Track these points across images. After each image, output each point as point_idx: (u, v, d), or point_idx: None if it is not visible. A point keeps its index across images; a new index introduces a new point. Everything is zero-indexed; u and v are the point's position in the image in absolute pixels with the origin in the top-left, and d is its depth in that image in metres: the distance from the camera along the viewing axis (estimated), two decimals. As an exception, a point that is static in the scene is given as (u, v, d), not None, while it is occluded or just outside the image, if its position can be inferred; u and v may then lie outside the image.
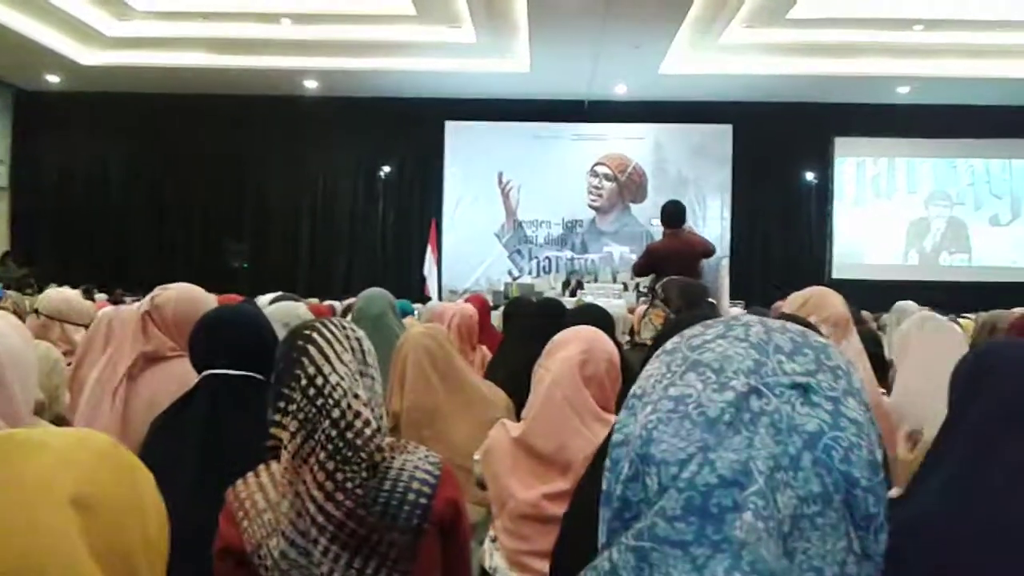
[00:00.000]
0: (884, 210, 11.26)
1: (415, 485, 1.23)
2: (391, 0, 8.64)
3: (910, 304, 4.77)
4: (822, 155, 11.30)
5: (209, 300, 2.20)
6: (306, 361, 1.22)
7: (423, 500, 1.22)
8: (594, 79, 10.22)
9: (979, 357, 1.20)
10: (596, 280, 10.07)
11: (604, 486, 0.62)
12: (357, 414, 1.20)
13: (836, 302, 2.28)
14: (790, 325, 0.64)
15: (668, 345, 0.64)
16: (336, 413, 1.19)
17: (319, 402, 1.19)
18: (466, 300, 4.47)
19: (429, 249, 10.56)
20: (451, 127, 11.51)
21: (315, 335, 1.26)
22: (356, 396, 1.22)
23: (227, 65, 9.93)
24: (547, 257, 11.58)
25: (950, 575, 1.02)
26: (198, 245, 11.39)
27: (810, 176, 11.21)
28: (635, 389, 0.62)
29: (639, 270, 5.74)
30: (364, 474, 1.19)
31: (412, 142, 11.60)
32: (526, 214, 11.54)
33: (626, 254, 11.15)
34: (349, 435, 1.19)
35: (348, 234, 11.66)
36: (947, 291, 9.62)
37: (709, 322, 0.65)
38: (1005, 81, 9.62)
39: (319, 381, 1.20)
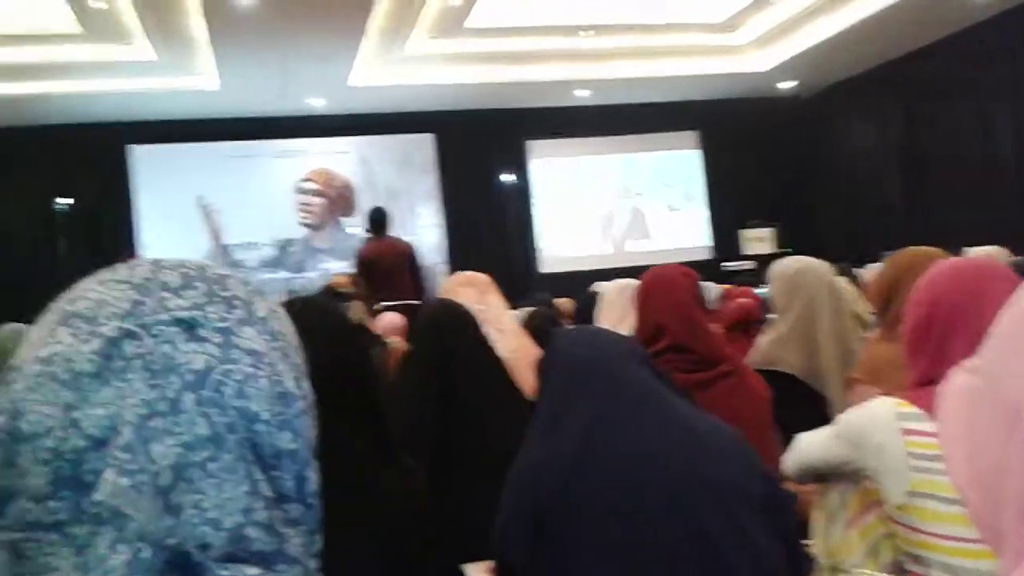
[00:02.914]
0: (576, 206, 12.01)
1: None
2: (51, 17, 7.88)
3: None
4: (518, 158, 11.86)
5: None
6: None
7: None
8: (287, 95, 10.00)
9: (552, 338, 1.42)
10: (315, 298, 9.90)
11: None
12: None
13: (471, 275, 2.60)
14: (191, 261, 0.60)
15: (53, 303, 0.57)
16: None
17: None
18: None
19: (129, 285, 9.81)
20: (138, 152, 10.69)
21: None
22: None
23: None
24: (261, 280, 11.15)
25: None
26: None
27: (509, 179, 11.73)
28: (13, 361, 0.55)
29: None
30: None
31: (94, 171, 10.64)
32: (234, 237, 11.04)
33: (344, 269, 11.03)
34: None
35: (29, 282, 10.40)
36: (635, 274, 10.42)
37: (102, 271, 0.59)
38: (665, 79, 10.61)
39: None
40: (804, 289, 2.68)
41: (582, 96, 11.09)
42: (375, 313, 4.81)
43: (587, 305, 3.15)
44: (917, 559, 1.37)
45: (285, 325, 0.59)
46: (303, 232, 11.33)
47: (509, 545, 1.21)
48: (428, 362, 1.95)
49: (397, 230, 7.60)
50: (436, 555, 1.39)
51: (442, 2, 8.17)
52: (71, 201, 10.51)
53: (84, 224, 10.64)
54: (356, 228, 10.59)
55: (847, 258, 6.14)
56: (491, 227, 11.78)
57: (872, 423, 1.44)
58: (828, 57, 9.95)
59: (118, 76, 9.02)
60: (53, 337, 0.53)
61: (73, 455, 0.49)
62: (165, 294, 0.55)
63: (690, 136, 12.17)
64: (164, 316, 0.53)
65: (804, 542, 1.86)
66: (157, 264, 0.58)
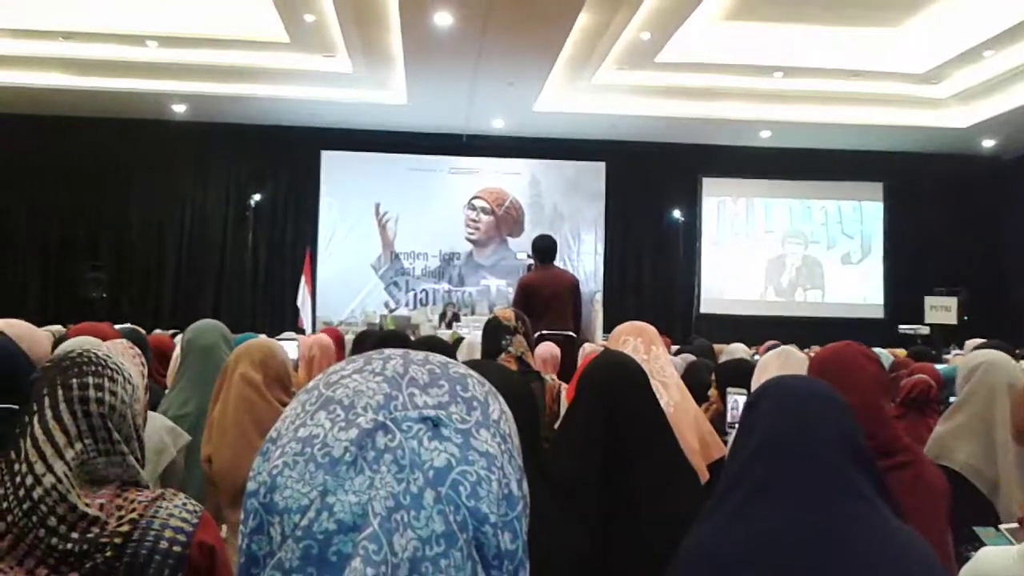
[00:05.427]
0: (744, 248, 11.73)
1: (167, 533, 1.17)
2: (264, 26, 8.50)
3: (739, 345, 5.10)
4: (690, 194, 11.69)
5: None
6: (15, 456, 1.13)
7: (176, 548, 1.16)
8: (471, 114, 10.32)
9: (755, 393, 1.34)
10: (473, 312, 10.10)
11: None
12: (73, 525, 1.12)
13: (640, 325, 2.67)
14: (434, 356, 0.63)
15: (310, 383, 0.61)
16: (52, 521, 1.11)
17: (26, 506, 1.11)
18: (320, 332, 4.43)
19: (303, 280, 10.36)
20: (327, 157, 11.36)
21: (36, 417, 1.16)
22: (78, 494, 1.14)
23: (88, 87, 9.51)
24: (424, 289, 11.54)
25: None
26: (53, 273, 10.82)
27: (678, 214, 11.59)
28: (272, 432, 0.59)
29: (517, 307, 5.73)
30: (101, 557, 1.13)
31: (286, 171, 11.39)
32: (403, 246, 11.49)
33: (503, 287, 11.24)
34: (68, 545, 1.12)
35: (217, 264, 11.27)
36: (802, 326, 10.08)
37: (355, 356, 0.63)
38: (855, 127, 10.24)
39: (29, 481, 1.12)
40: (985, 385, 2.52)
41: (764, 137, 10.83)
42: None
43: (741, 373, 3.04)
44: None
45: (512, 426, 0.62)
46: (468, 247, 11.63)
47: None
48: (593, 420, 1.94)
49: (558, 254, 7.59)
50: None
51: (635, 36, 8.19)
52: (263, 196, 11.26)
53: (272, 218, 11.37)
54: (521, 251, 10.74)
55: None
56: (654, 260, 11.69)
57: None
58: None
59: (316, 85, 9.59)
60: (312, 419, 0.57)
61: (323, 536, 0.53)
62: (414, 390, 0.59)
63: (874, 187, 11.64)
64: (413, 413, 0.57)
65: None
66: (407, 358, 0.61)
